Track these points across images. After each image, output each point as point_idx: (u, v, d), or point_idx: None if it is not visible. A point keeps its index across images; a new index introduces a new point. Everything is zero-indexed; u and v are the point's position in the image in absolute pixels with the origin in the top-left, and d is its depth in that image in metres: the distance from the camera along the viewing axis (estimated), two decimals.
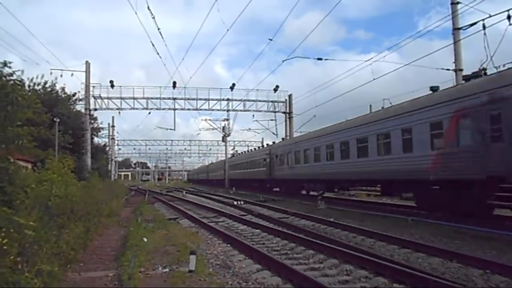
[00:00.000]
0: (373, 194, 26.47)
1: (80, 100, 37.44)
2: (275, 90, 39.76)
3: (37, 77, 32.09)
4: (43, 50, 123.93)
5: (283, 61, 44.45)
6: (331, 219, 14.10)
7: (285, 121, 41.36)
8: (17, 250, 4.89)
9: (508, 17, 13.94)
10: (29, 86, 30.78)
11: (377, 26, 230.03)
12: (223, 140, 52.03)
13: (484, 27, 14.98)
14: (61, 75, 33.44)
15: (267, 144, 41.88)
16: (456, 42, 18.29)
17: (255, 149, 45.73)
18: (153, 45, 22.64)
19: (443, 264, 7.70)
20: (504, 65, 11.68)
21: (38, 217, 6.10)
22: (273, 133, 42.51)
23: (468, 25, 17.22)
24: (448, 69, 19.08)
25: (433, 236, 10.59)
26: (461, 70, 18.27)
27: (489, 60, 13.24)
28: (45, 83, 32.96)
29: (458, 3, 18.13)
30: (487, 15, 15.04)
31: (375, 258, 7.58)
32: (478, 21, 15.61)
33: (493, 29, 14.94)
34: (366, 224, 12.91)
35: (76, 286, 6.30)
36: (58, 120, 28.72)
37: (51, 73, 33.01)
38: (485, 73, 12.44)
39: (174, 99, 38.80)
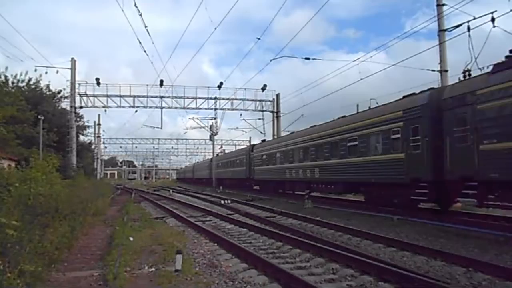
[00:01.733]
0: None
1: (66, 97, 37.03)
2: (263, 89, 39.83)
3: (21, 74, 31.60)
4: (28, 47, 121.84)
5: (270, 60, 44.44)
6: (318, 218, 14.17)
7: (273, 120, 41.43)
8: None
9: (492, 19, 14.16)
10: (12, 83, 30.35)
11: (366, 26, 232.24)
12: (210, 139, 51.93)
13: (468, 29, 15.20)
14: (46, 72, 33.00)
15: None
16: (441, 43, 18.52)
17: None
18: (140, 42, 22.33)
19: (428, 262, 7.81)
20: (487, 67, 11.84)
21: (19, 216, 6.00)
22: (261, 132, 42.66)
23: (453, 26, 17.45)
24: (434, 70, 19.33)
25: (418, 235, 10.73)
26: (446, 71, 18.52)
27: (473, 61, 13.37)
28: (29, 80, 32.49)
29: (443, 5, 18.35)
30: (472, 17, 15.27)
31: (361, 257, 7.64)
32: (463, 23, 15.84)
33: (478, 30, 15.12)
34: (352, 223, 13.01)
35: (60, 286, 6.21)
36: (42, 117, 28.30)
37: (35, 70, 32.67)
38: (469, 75, 12.62)
39: (161, 97, 38.59)
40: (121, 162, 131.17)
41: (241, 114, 42.32)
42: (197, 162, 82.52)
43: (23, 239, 5.55)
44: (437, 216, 13.23)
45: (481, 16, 14.80)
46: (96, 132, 59.96)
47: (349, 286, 6.35)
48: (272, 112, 41.36)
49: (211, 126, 48.20)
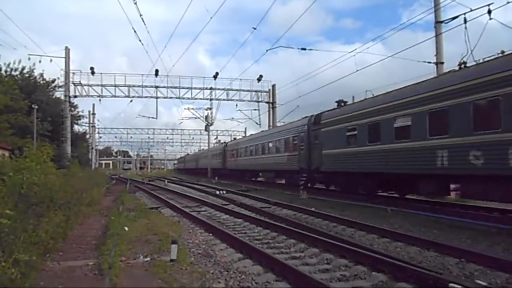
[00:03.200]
0: None
1: (60, 86, 36.81)
2: (259, 79, 39.74)
3: (14, 63, 31.29)
4: (21, 35, 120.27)
5: (267, 50, 44.66)
6: (313, 209, 14.22)
7: (268, 111, 41.39)
8: None
9: (489, 12, 14.15)
10: (5, 71, 30.06)
11: (363, 17, 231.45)
12: (206, 129, 51.85)
13: (465, 21, 15.18)
14: (40, 61, 32.74)
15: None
16: (437, 35, 18.49)
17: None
18: (135, 31, 22.23)
19: (421, 253, 7.89)
20: (483, 59, 11.87)
21: (13, 205, 5.98)
22: (256, 123, 42.64)
23: (450, 18, 17.43)
24: (430, 62, 19.33)
25: (412, 226, 10.82)
26: (442, 63, 18.53)
27: (469, 53, 13.39)
28: (23, 68, 32.20)
29: None
30: (469, 9, 15.24)
31: (355, 247, 7.70)
32: (460, 15, 15.81)
33: (475, 22, 15.06)
34: (346, 214, 13.09)
35: (55, 275, 6.22)
36: (36, 107, 28.13)
37: (29, 58, 32.26)
38: (465, 67, 12.63)
39: (157, 87, 38.40)
40: (116, 152, 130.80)
41: (236, 105, 42.27)
42: (233, 139, 50.72)
43: (17, 229, 5.53)
44: (431, 208, 13.36)
45: (477, 8, 14.80)
46: (91, 121, 59.71)
47: (343, 276, 6.40)
48: (267, 102, 41.32)
49: (206, 117, 48.15)
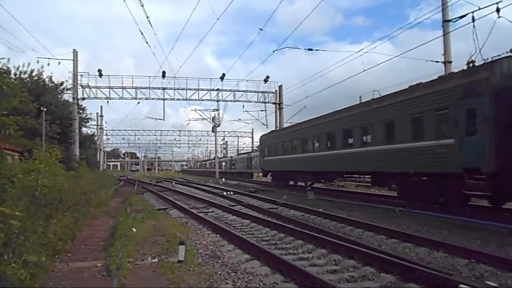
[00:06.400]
0: (363, 185, 26.80)
1: (68, 89, 37.04)
2: (266, 80, 39.72)
3: (23, 66, 31.58)
4: (29, 38, 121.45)
5: (273, 51, 44.56)
6: (320, 210, 14.18)
7: (275, 112, 41.35)
8: (3, 240, 4.82)
9: (497, 10, 14.03)
10: (15, 74, 30.34)
11: (370, 16, 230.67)
12: (213, 131, 51.93)
13: (473, 19, 15.06)
14: (48, 64, 33.01)
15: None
16: (445, 34, 18.36)
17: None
18: (142, 33, 22.31)
19: (430, 253, 7.83)
20: (492, 57, 11.75)
21: (24, 207, 6.02)
22: (263, 124, 42.55)
23: (458, 17, 17.31)
24: (438, 61, 19.20)
25: (421, 227, 10.74)
26: (450, 62, 18.39)
27: (478, 52, 13.28)
28: (32, 71, 32.49)
29: None
30: (477, 7, 15.11)
31: (363, 248, 7.66)
32: (468, 13, 15.68)
33: (483, 21, 14.90)
34: (354, 215, 13.03)
35: (64, 276, 6.26)
36: (45, 109, 28.37)
37: (37, 61, 32.52)
38: (473, 65, 12.52)
39: (164, 89, 38.54)
40: (123, 154, 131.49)
41: (243, 106, 42.25)
42: (272, 130, 36.83)
43: (27, 230, 5.57)
44: (440, 208, 13.23)
45: (486, 7, 14.67)
46: (99, 123, 60.11)
47: (351, 277, 6.37)
48: (274, 103, 41.28)
49: (213, 118, 48.23)
